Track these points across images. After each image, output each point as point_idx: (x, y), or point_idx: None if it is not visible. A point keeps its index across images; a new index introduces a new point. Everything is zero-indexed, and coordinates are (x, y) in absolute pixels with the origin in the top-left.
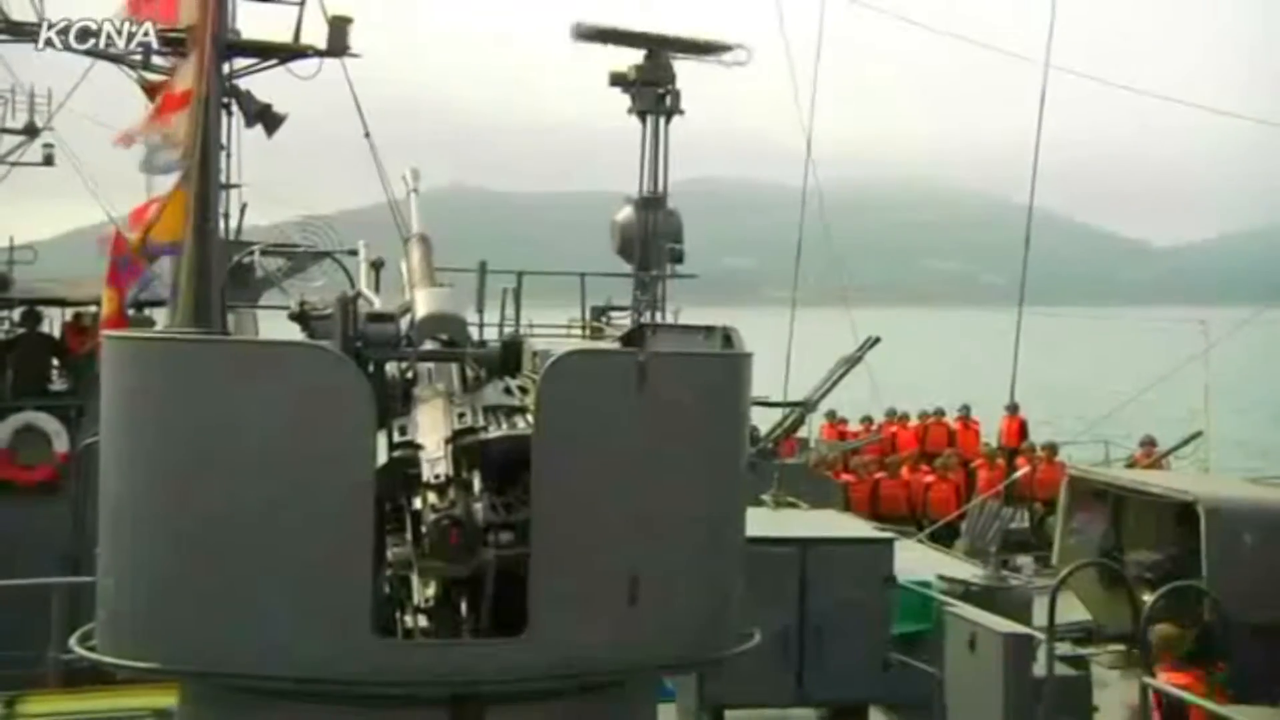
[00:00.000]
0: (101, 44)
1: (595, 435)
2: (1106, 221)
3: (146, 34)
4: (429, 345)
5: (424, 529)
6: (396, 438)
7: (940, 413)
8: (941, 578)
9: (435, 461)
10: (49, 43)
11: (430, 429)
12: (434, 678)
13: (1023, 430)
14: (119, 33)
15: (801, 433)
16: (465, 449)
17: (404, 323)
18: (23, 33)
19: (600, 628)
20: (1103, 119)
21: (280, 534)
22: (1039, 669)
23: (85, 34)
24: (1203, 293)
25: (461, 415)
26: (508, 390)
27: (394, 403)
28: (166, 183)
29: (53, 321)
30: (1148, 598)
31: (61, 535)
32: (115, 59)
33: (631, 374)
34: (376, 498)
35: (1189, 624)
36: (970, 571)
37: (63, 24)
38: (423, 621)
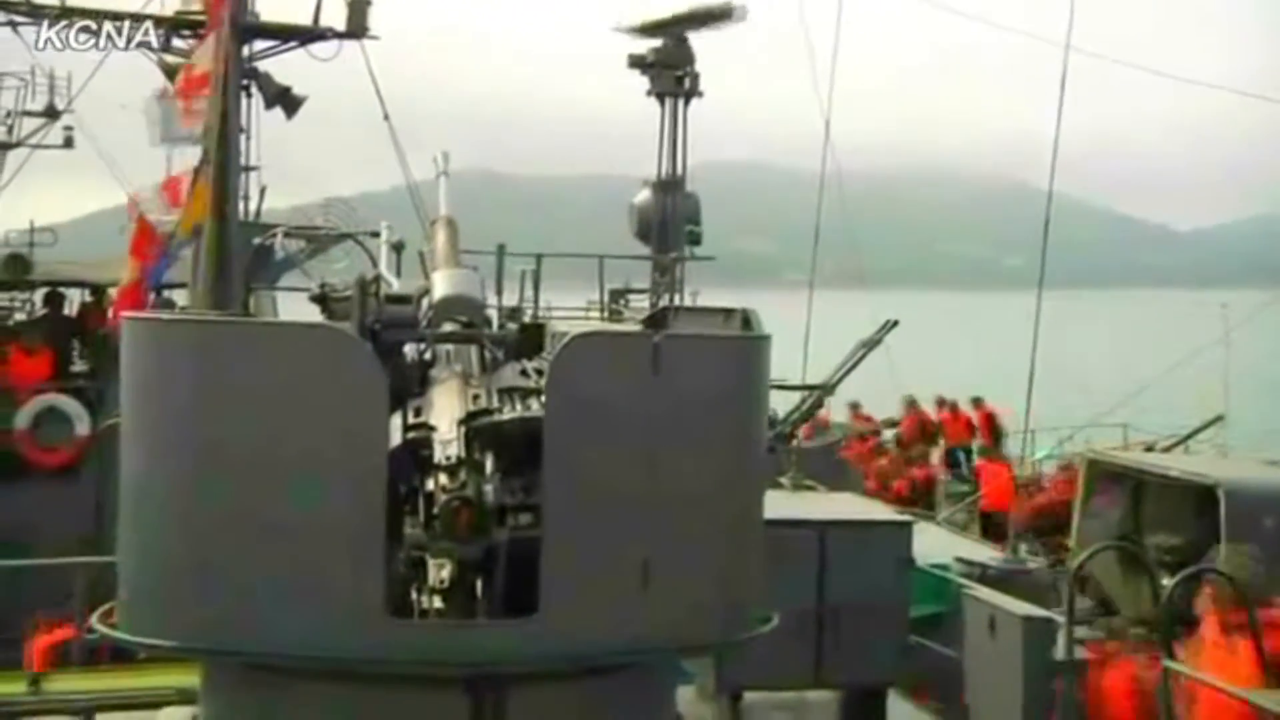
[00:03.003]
0: (101, 43)
1: (608, 417)
2: (1127, 205)
3: (147, 34)
4: (448, 327)
5: (435, 510)
6: (412, 419)
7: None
8: (960, 560)
9: (448, 443)
10: (49, 42)
11: (444, 410)
12: (445, 659)
13: (991, 423)
14: (119, 32)
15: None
16: (478, 430)
17: (426, 304)
18: (41, 15)
19: (612, 610)
20: (1124, 102)
21: (294, 514)
22: (1058, 652)
23: (85, 34)
24: (1224, 276)
25: (476, 397)
26: (524, 373)
27: (411, 384)
28: (185, 155)
29: (72, 303)
30: (1167, 581)
31: (83, 517)
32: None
33: (646, 356)
34: (391, 479)
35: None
36: (988, 554)
37: (62, 26)
38: (438, 603)
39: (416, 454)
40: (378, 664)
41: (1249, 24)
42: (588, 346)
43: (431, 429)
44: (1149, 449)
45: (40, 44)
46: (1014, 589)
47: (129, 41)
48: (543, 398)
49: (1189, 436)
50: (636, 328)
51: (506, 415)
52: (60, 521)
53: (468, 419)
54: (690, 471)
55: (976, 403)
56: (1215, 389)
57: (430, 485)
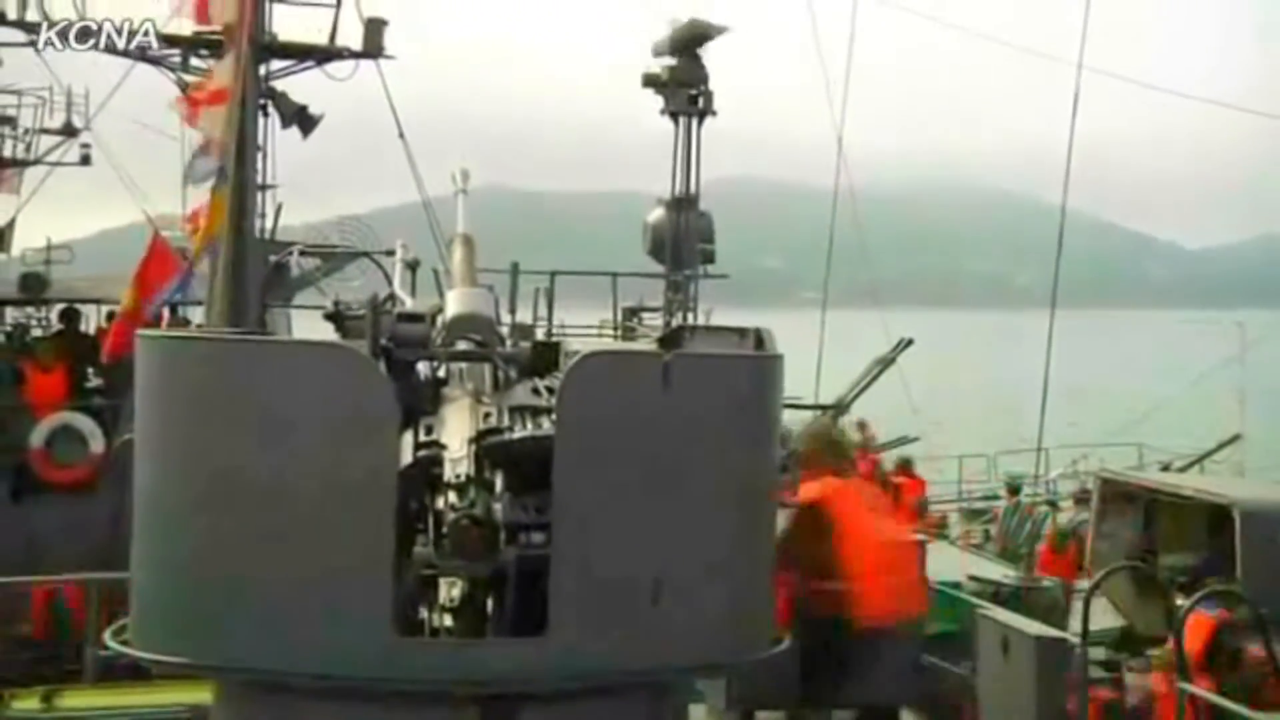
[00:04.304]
0: (101, 44)
1: (618, 436)
2: (1139, 222)
3: (147, 34)
4: (461, 345)
5: (445, 528)
6: (423, 437)
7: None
8: (973, 578)
9: (458, 461)
10: (49, 43)
11: (455, 429)
12: (455, 677)
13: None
14: (119, 33)
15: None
16: (488, 449)
17: (439, 323)
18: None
19: (623, 629)
20: (1136, 119)
21: (304, 532)
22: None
23: (85, 34)
24: (1238, 294)
25: (487, 416)
26: (536, 391)
27: (423, 403)
28: (206, 185)
29: (88, 320)
30: (1181, 601)
31: (98, 535)
32: (153, 61)
33: (656, 376)
34: (403, 497)
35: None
36: (1001, 573)
37: (63, 24)
38: (448, 621)
39: (427, 472)
40: (388, 682)
41: (1262, 42)
42: (598, 365)
43: (442, 447)
44: (1165, 468)
45: (41, 44)
46: (1027, 607)
47: (129, 43)
48: (553, 416)
49: (1206, 456)
50: (650, 346)
51: (517, 434)
52: (76, 539)
53: (478, 437)
54: (701, 491)
55: (861, 425)
56: (1231, 408)
57: (440, 503)
